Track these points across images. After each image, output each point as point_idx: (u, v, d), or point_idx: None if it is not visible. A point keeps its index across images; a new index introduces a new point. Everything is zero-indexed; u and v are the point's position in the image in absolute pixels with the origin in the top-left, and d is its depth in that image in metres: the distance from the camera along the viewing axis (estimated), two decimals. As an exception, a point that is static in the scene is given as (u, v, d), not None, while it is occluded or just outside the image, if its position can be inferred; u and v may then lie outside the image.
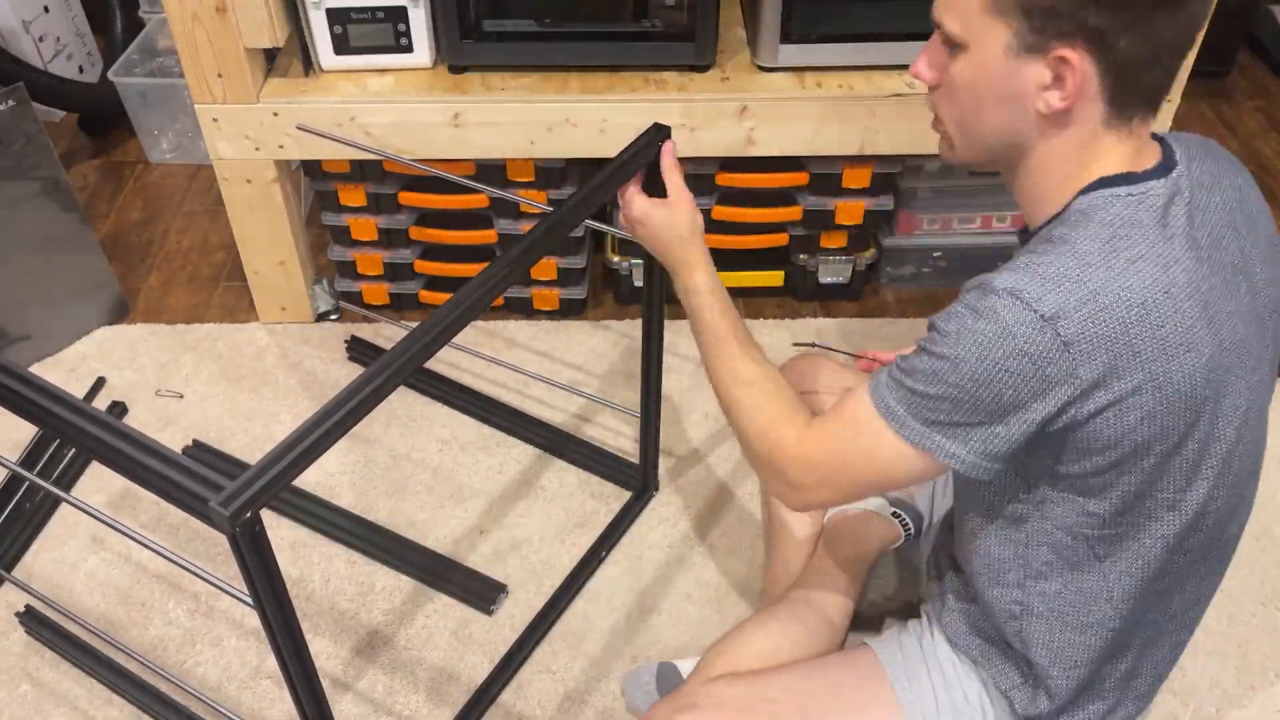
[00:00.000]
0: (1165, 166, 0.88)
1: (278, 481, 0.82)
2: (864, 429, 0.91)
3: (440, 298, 1.86)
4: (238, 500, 0.79)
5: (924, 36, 0.98)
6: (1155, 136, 0.92)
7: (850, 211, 1.76)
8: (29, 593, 1.39)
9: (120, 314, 1.87)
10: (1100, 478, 0.88)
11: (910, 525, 1.30)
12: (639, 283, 1.81)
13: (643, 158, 1.17)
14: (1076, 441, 0.87)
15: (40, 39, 2.20)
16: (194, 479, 0.81)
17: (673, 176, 1.15)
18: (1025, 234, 0.97)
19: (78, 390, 1.72)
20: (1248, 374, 0.90)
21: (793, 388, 1.07)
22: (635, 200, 1.14)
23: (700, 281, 1.10)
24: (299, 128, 1.56)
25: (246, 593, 0.87)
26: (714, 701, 1.07)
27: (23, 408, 0.90)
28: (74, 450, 1.64)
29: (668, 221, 1.12)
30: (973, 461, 0.87)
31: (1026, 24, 0.83)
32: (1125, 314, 0.82)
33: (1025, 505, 0.96)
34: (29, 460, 1.61)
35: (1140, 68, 0.84)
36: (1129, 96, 0.85)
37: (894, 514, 1.30)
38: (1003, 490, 0.97)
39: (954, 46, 0.89)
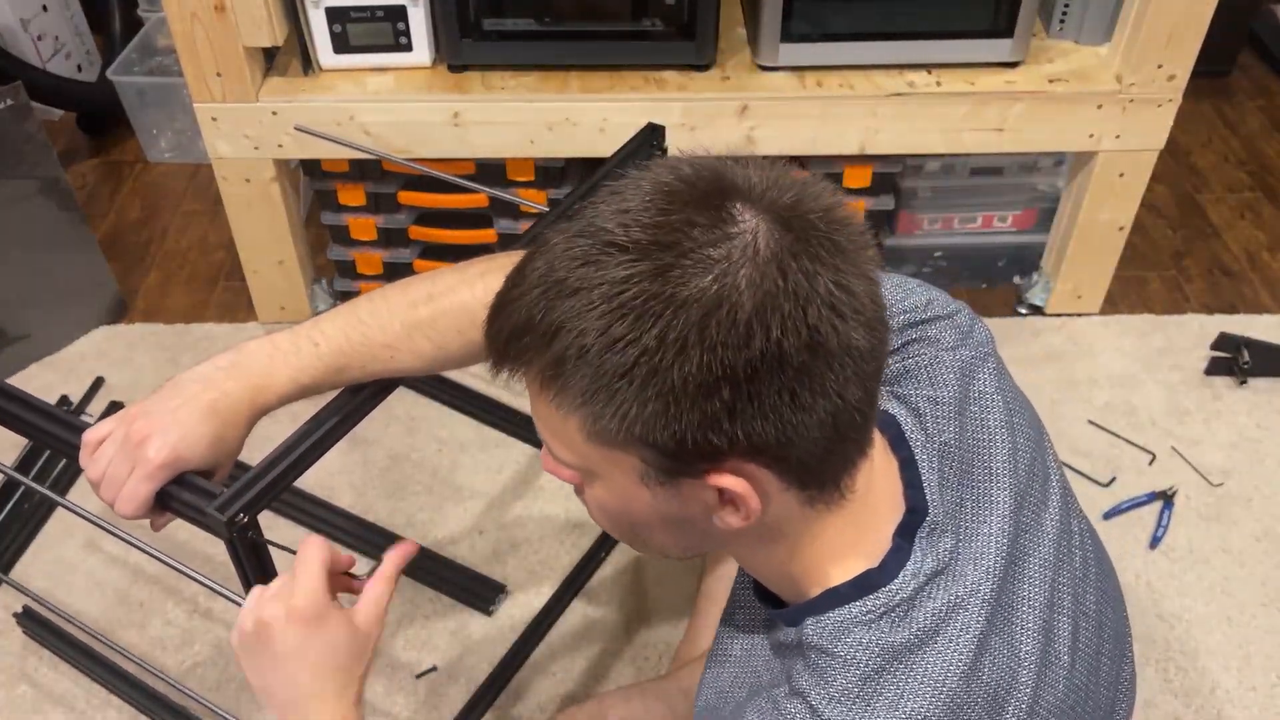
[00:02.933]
0: (909, 525, 0.71)
1: (275, 486, 0.82)
2: None
3: (440, 297, 1.86)
4: (234, 505, 0.79)
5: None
6: (895, 447, 0.74)
7: (851, 211, 1.76)
8: (26, 594, 1.39)
9: (119, 313, 1.87)
10: None
11: None
12: (639, 282, 1.81)
13: (638, 157, 1.16)
14: None
15: (39, 38, 2.19)
16: (190, 489, 0.81)
17: (377, 588, 0.87)
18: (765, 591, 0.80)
19: (76, 390, 1.71)
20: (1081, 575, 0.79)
21: None
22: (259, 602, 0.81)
23: None
24: (296, 128, 1.56)
25: (243, 595, 0.86)
26: None
27: (11, 423, 0.89)
28: (72, 450, 1.64)
29: (331, 644, 0.80)
30: None
31: (654, 454, 0.62)
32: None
33: None
34: (27, 461, 1.61)
35: (827, 451, 0.64)
36: (824, 481, 0.67)
37: None
38: None
39: (578, 470, 0.68)
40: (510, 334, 0.63)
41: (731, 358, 0.58)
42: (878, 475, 0.71)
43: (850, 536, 0.70)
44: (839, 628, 0.68)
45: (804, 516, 0.68)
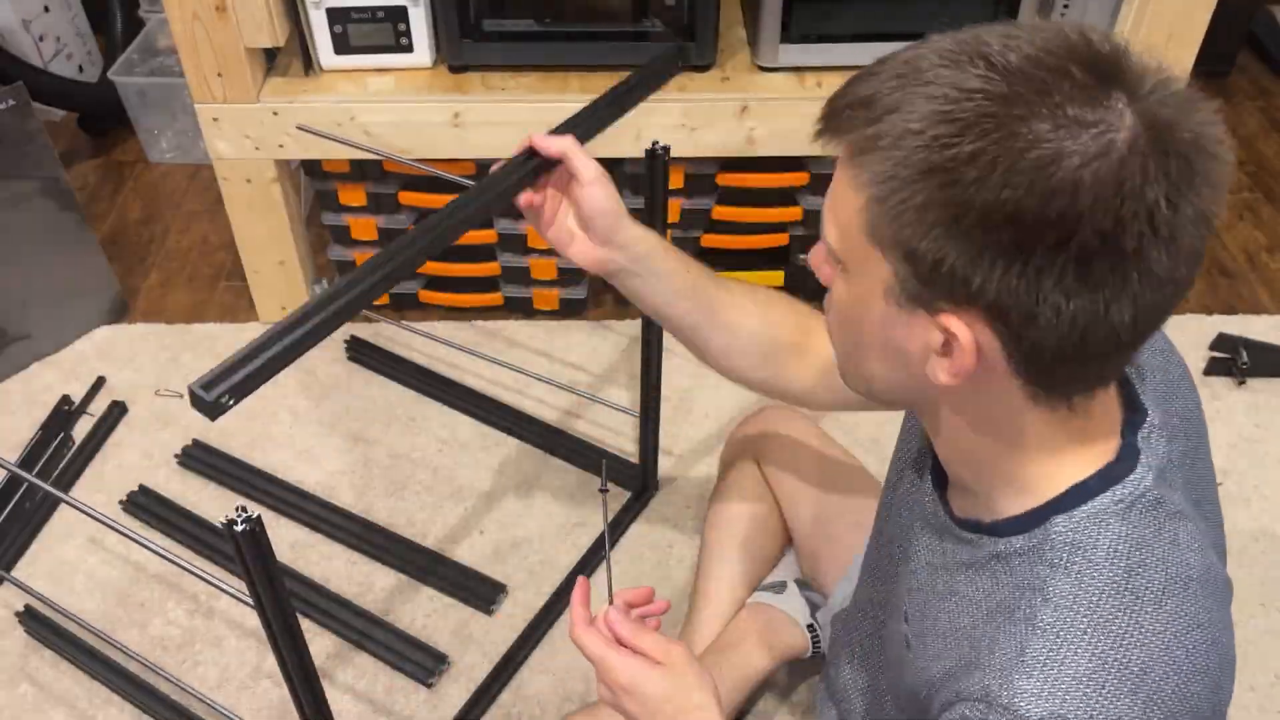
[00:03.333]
0: (1131, 420, 0.70)
1: (264, 371, 0.81)
2: None
3: (440, 297, 1.86)
4: (219, 385, 0.78)
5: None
6: (1126, 391, 0.73)
7: (850, 211, 1.76)
8: (28, 593, 1.39)
9: (120, 313, 1.87)
10: None
11: (821, 643, 1.26)
12: (639, 283, 1.81)
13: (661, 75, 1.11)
14: None
15: (40, 38, 2.19)
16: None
17: (645, 639, 0.84)
18: (935, 463, 0.79)
19: (77, 390, 1.72)
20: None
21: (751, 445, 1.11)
22: (610, 660, 0.83)
23: None
24: (299, 128, 1.56)
25: (246, 592, 0.87)
26: None
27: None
28: (73, 450, 1.64)
29: (669, 690, 0.82)
30: None
31: (909, 268, 0.62)
32: (1178, 678, 0.64)
33: None
34: (28, 460, 1.61)
35: (1062, 357, 0.62)
36: (1050, 376, 0.64)
37: (809, 626, 1.27)
38: None
39: (836, 259, 0.68)
40: (849, 103, 0.63)
41: (1029, 206, 0.57)
42: (1102, 411, 0.70)
43: (1078, 439, 0.68)
44: (1094, 521, 0.67)
45: (1022, 412, 0.66)
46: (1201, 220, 0.59)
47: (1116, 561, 0.65)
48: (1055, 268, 0.58)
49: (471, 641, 1.40)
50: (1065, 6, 1.64)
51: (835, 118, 0.64)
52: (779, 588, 1.31)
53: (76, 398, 1.71)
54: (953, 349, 0.63)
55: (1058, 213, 0.57)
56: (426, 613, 1.43)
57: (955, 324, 0.62)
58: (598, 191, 0.96)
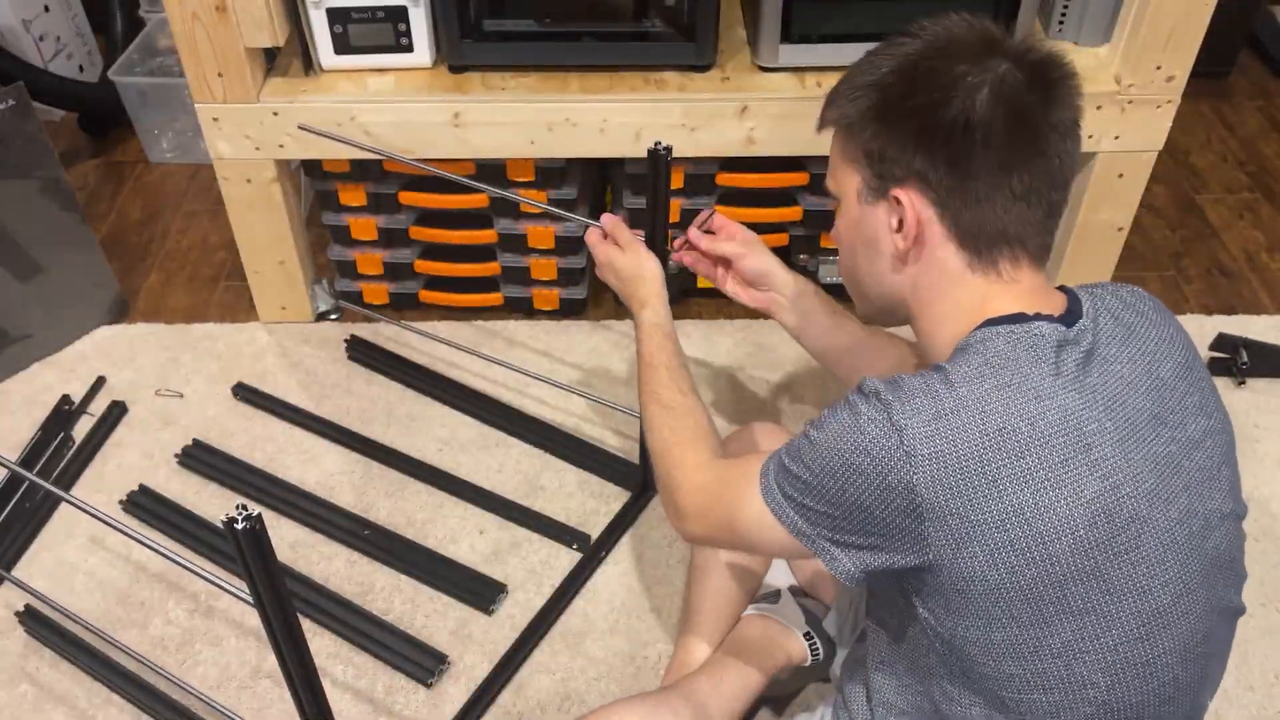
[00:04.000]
0: (1067, 318, 0.87)
1: None
2: (744, 480, 0.94)
3: (440, 297, 1.86)
4: None
5: None
6: (1067, 292, 0.90)
7: (850, 212, 1.76)
8: (29, 592, 1.39)
9: (120, 313, 1.87)
10: (994, 628, 0.83)
11: (819, 650, 1.27)
12: (639, 283, 1.81)
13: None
14: (952, 584, 0.82)
15: (40, 38, 2.20)
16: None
17: (623, 233, 1.25)
18: None
19: (77, 390, 1.72)
20: (1178, 529, 0.84)
21: (736, 448, 1.25)
22: (600, 247, 1.25)
23: (646, 317, 1.19)
24: (300, 127, 1.56)
25: (247, 592, 0.87)
26: None
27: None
28: (74, 450, 1.64)
29: (629, 266, 1.23)
30: (822, 546, 0.88)
31: (870, 169, 0.91)
32: (980, 439, 0.80)
33: (933, 662, 0.90)
34: (29, 459, 1.61)
35: (980, 211, 0.87)
36: (979, 240, 0.88)
37: (806, 634, 1.27)
38: (914, 647, 0.92)
39: (833, 198, 0.97)
40: (834, 88, 0.95)
41: (929, 105, 0.86)
42: (1045, 286, 0.90)
43: (1010, 301, 0.88)
44: (984, 335, 0.85)
45: (964, 278, 0.89)
46: (1062, 124, 0.87)
47: (979, 357, 0.84)
48: (956, 140, 0.85)
49: (471, 641, 1.40)
50: (1065, 8, 1.64)
51: (829, 101, 0.95)
52: (773, 597, 1.32)
53: (76, 398, 1.71)
54: (904, 221, 0.89)
55: (952, 109, 0.85)
56: (426, 613, 1.43)
57: (900, 193, 0.89)
58: (752, 262, 1.26)
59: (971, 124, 0.85)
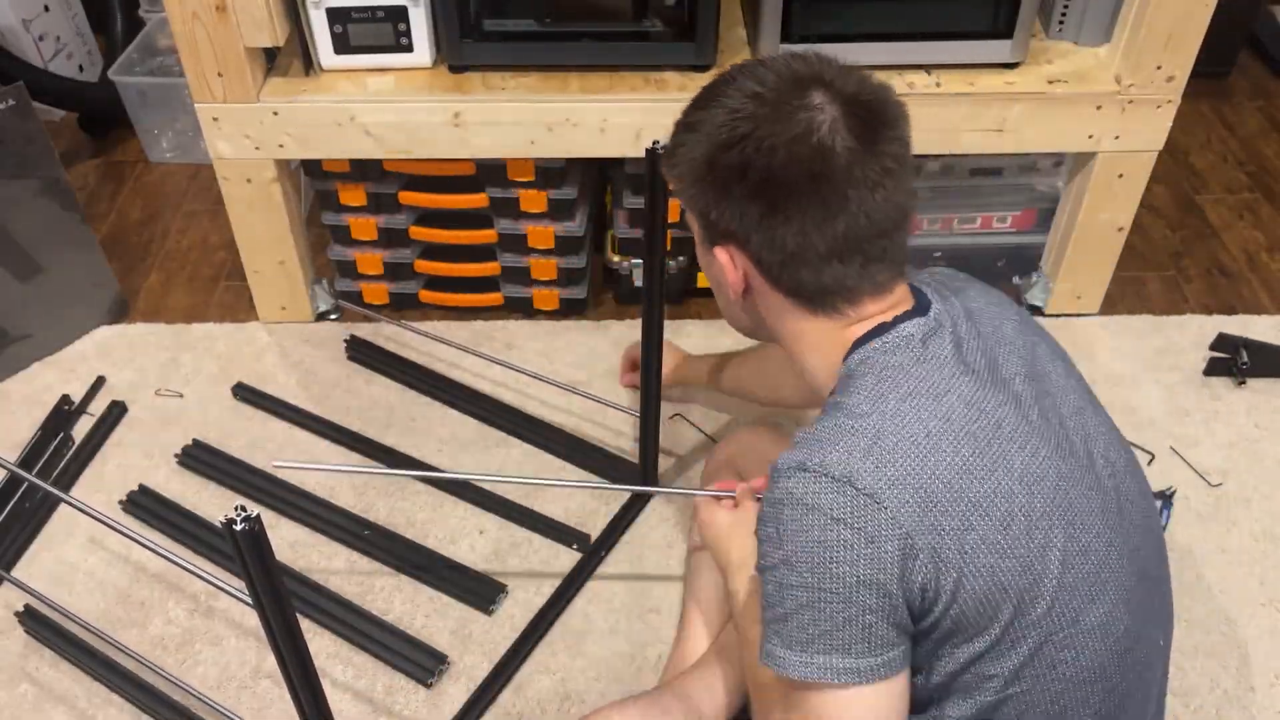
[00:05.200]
0: (919, 309, 0.89)
1: None
2: (770, 686, 0.88)
3: (440, 297, 1.86)
4: None
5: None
6: (911, 286, 0.92)
7: (850, 212, 1.76)
8: (28, 592, 1.39)
9: (120, 313, 1.87)
10: (983, 625, 0.82)
11: None
12: (639, 283, 1.81)
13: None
14: (947, 600, 0.81)
15: (40, 38, 2.20)
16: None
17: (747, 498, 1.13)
18: None
19: (77, 390, 1.72)
20: (1091, 476, 0.87)
21: (731, 461, 1.32)
22: (704, 509, 1.12)
23: (740, 584, 1.07)
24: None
25: (246, 592, 0.87)
26: None
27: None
28: (73, 450, 1.64)
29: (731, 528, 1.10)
30: (872, 666, 0.80)
31: (698, 222, 0.93)
32: (914, 451, 0.79)
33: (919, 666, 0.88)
34: (28, 460, 1.61)
35: (794, 270, 0.87)
36: (804, 294, 0.88)
37: None
38: None
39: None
40: (670, 138, 0.94)
41: (737, 162, 0.85)
42: (894, 299, 0.89)
43: (867, 322, 0.89)
44: (862, 356, 0.87)
45: (805, 319, 0.90)
46: (873, 173, 0.84)
47: (869, 378, 0.84)
48: (758, 205, 0.85)
49: (471, 641, 1.40)
50: (1065, 8, 1.64)
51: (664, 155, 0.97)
52: None
53: (76, 398, 1.71)
54: (727, 268, 0.90)
55: (751, 174, 0.85)
56: (426, 613, 1.43)
57: (719, 251, 0.91)
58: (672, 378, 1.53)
59: (770, 189, 0.85)
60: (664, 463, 1.59)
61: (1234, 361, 1.73)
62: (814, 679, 0.81)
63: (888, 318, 0.88)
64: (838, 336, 0.89)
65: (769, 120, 0.84)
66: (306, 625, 1.39)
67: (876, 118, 0.85)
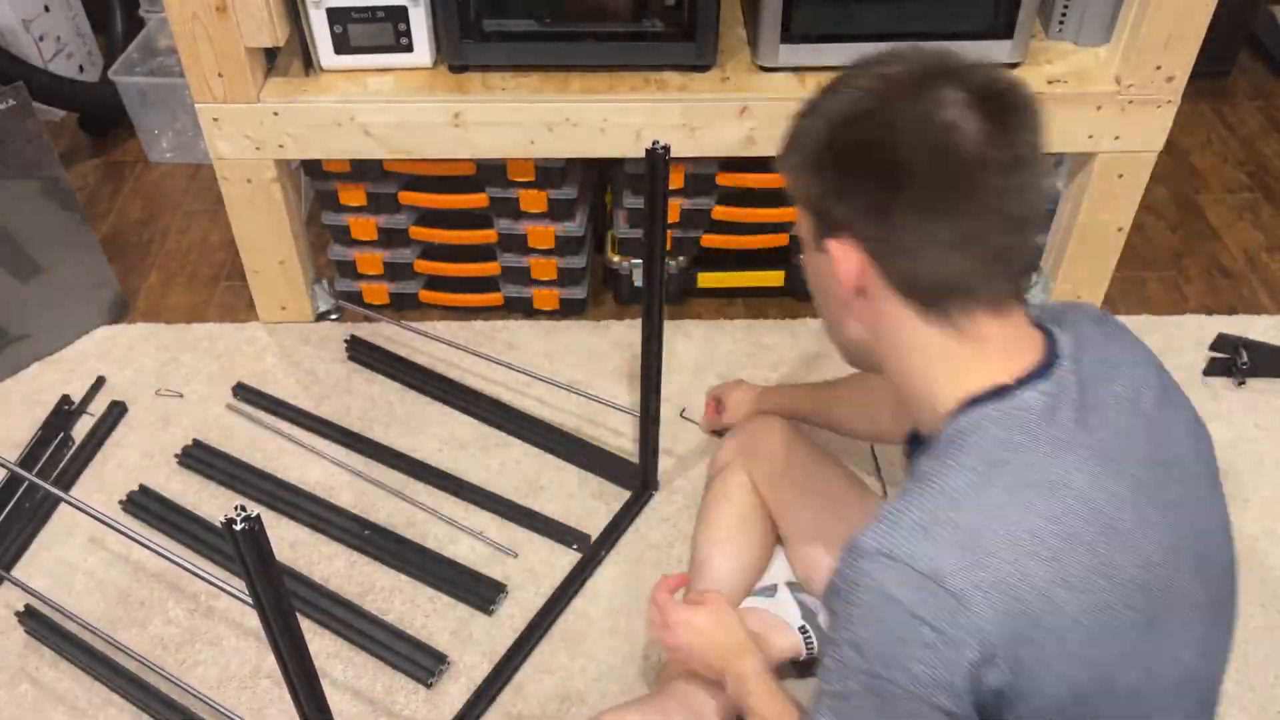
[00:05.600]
0: (1045, 365, 0.81)
1: None
2: None
3: (440, 297, 1.86)
4: None
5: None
6: (1039, 326, 0.84)
7: (850, 212, 1.76)
8: (28, 592, 1.39)
9: (120, 313, 1.87)
10: None
11: (815, 645, 1.27)
12: (639, 283, 1.81)
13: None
14: (1022, 705, 0.75)
15: (40, 38, 2.20)
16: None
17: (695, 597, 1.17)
18: (914, 439, 0.92)
19: (77, 389, 1.72)
20: (1189, 580, 0.80)
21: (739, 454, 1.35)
22: (674, 611, 1.14)
23: (750, 666, 1.09)
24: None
25: (246, 592, 0.87)
26: None
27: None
28: (73, 450, 1.64)
29: (716, 623, 1.13)
30: None
31: (812, 214, 0.86)
32: (1012, 555, 0.72)
33: None
34: (28, 459, 1.61)
35: (911, 261, 0.80)
36: (919, 291, 0.81)
37: (801, 628, 1.27)
38: None
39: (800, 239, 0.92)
40: (787, 131, 0.88)
41: (862, 145, 0.81)
42: (1017, 334, 0.83)
43: (985, 365, 0.81)
44: (973, 423, 0.79)
45: (917, 328, 0.82)
46: (1007, 160, 0.77)
47: (976, 455, 0.77)
48: (879, 187, 0.79)
49: (471, 641, 1.40)
50: (1065, 8, 1.64)
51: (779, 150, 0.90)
52: (770, 591, 1.32)
53: (76, 398, 1.71)
54: (836, 264, 0.83)
55: (875, 153, 0.79)
56: (426, 613, 1.43)
57: (833, 244, 0.83)
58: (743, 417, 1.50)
59: (892, 168, 0.78)
60: (664, 463, 1.59)
61: (1234, 362, 1.73)
62: None
63: (1008, 374, 0.80)
64: (949, 366, 0.82)
65: (894, 99, 0.79)
66: (306, 625, 1.39)
67: (1009, 105, 0.78)
